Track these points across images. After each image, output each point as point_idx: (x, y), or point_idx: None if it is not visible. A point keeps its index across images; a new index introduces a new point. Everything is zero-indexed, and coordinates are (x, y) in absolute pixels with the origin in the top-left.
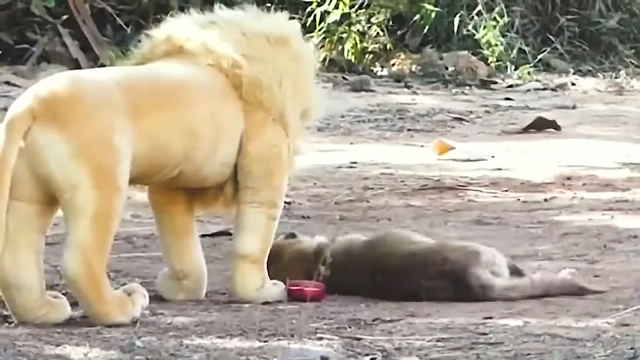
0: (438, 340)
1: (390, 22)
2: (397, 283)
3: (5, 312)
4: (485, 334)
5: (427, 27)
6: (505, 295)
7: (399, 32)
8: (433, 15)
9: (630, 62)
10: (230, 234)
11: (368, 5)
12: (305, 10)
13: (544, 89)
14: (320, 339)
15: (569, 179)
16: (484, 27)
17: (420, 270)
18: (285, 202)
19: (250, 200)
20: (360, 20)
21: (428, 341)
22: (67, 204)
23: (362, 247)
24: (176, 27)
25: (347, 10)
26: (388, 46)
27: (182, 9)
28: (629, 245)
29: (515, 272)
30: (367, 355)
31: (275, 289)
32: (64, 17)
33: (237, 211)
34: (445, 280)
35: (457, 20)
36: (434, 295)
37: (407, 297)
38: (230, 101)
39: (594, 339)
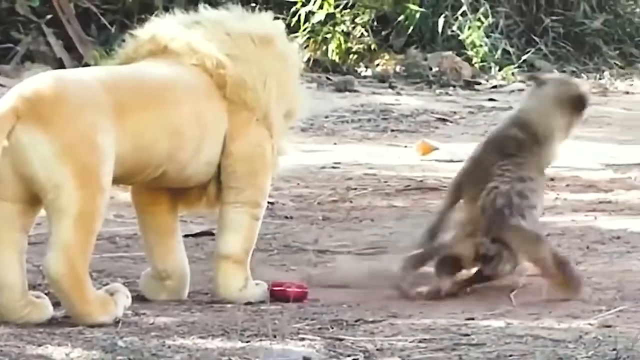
0: (420, 341)
1: (375, 23)
2: None
3: None
4: (467, 334)
5: (411, 28)
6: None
7: (383, 33)
8: (417, 15)
9: (615, 63)
10: (213, 234)
11: (352, 6)
12: (289, 11)
13: None
14: (303, 339)
15: (552, 179)
16: (469, 28)
17: None
18: (268, 202)
19: (233, 201)
20: (345, 20)
21: (410, 342)
22: (50, 204)
23: None
24: (160, 27)
25: (331, 10)
26: (372, 47)
27: (166, 9)
28: (612, 247)
29: None
30: (349, 356)
31: (258, 289)
32: (48, 16)
33: (220, 211)
34: None
35: (441, 20)
36: None
37: None
38: (214, 101)
39: (576, 340)
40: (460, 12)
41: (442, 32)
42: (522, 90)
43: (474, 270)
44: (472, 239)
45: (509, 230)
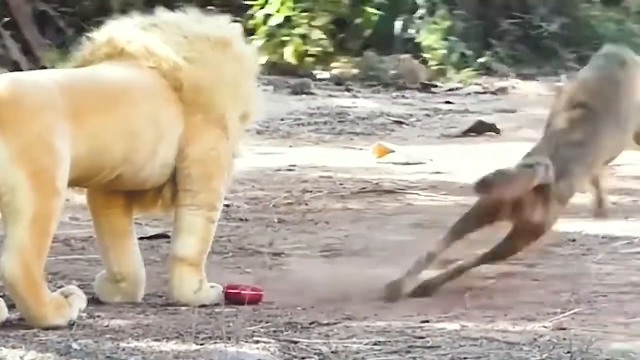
0: (375, 344)
1: (332, 26)
2: None
3: None
4: (422, 337)
5: (368, 31)
6: None
7: (340, 36)
8: (375, 18)
9: (572, 66)
10: (168, 237)
11: (310, 9)
12: (247, 13)
13: (485, 92)
14: (257, 342)
15: None
16: (426, 31)
17: None
18: (223, 204)
19: (189, 203)
20: (302, 23)
21: (365, 344)
22: (5, 206)
23: None
24: (117, 29)
25: (289, 13)
26: (329, 49)
27: (123, 12)
28: (567, 249)
29: None
30: (303, 358)
31: (213, 291)
32: (5, 19)
33: (175, 214)
34: None
35: (398, 23)
36: None
37: None
38: (170, 104)
39: (530, 342)
40: (417, 15)
41: (399, 35)
42: (478, 92)
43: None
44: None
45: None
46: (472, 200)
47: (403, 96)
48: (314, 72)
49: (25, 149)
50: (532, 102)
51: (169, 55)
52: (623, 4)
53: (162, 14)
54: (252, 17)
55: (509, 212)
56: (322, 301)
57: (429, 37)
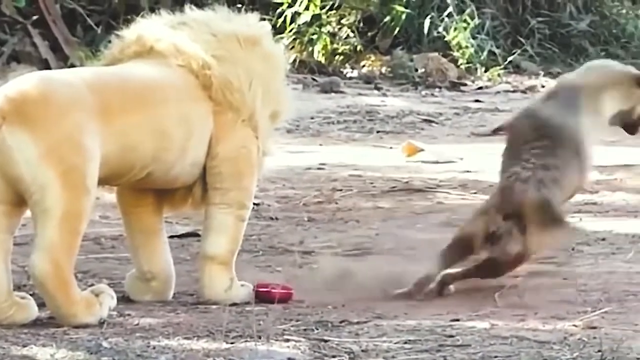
0: (405, 342)
1: (361, 24)
2: None
3: None
4: (452, 336)
5: (397, 29)
6: None
7: (369, 34)
8: (404, 16)
9: None
10: (198, 235)
11: (339, 7)
12: (275, 12)
13: (514, 91)
14: (288, 340)
15: None
16: (455, 29)
17: None
18: (254, 203)
19: (219, 202)
20: (331, 21)
21: (395, 343)
22: (35, 205)
23: None
24: (146, 27)
25: (317, 11)
26: (358, 48)
27: (152, 10)
28: (597, 248)
29: None
30: (334, 357)
31: (243, 290)
32: (34, 17)
33: (205, 212)
34: None
35: (427, 22)
36: None
37: None
38: (200, 102)
39: (561, 341)
40: (446, 13)
41: (428, 33)
42: (508, 91)
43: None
44: (483, 217)
45: (524, 201)
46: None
47: (432, 95)
48: (343, 70)
49: (55, 147)
50: None
51: (198, 53)
52: None
53: (191, 12)
54: (280, 15)
55: (484, 245)
56: (352, 300)
57: (457, 36)
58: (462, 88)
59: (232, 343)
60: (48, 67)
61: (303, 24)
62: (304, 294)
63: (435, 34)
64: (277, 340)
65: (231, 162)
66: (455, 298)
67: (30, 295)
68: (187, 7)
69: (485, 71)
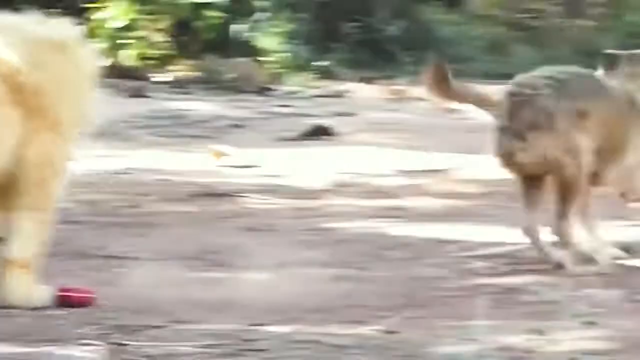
0: (204, 347)
1: (173, 29)
2: None
3: None
4: (252, 340)
5: (208, 34)
6: None
7: (181, 39)
8: (215, 22)
9: (410, 70)
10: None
11: (151, 13)
12: (88, 16)
13: (324, 96)
14: (86, 344)
15: (343, 186)
16: (266, 35)
17: None
18: (59, 207)
19: (23, 206)
20: (145, 26)
21: (194, 347)
22: None
23: None
24: None
25: (130, 16)
26: (170, 53)
27: None
28: (400, 253)
29: None
30: None
31: (44, 293)
32: None
33: (9, 216)
34: None
35: (237, 26)
36: None
37: None
38: (7, 107)
39: (361, 346)
40: (257, 18)
41: (238, 38)
42: (317, 96)
43: None
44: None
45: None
46: (306, 203)
47: (242, 100)
48: (154, 75)
49: None
50: (371, 105)
51: (7, 58)
52: (464, 7)
53: (1, 16)
54: (93, 20)
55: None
56: (153, 304)
57: (269, 41)
58: (272, 93)
59: (31, 347)
60: None
61: (115, 29)
62: (105, 298)
63: (246, 39)
64: (75, 344)
65: (36, 168)
66: (260, 303)
67: None
68: None
69: (296, 76)
